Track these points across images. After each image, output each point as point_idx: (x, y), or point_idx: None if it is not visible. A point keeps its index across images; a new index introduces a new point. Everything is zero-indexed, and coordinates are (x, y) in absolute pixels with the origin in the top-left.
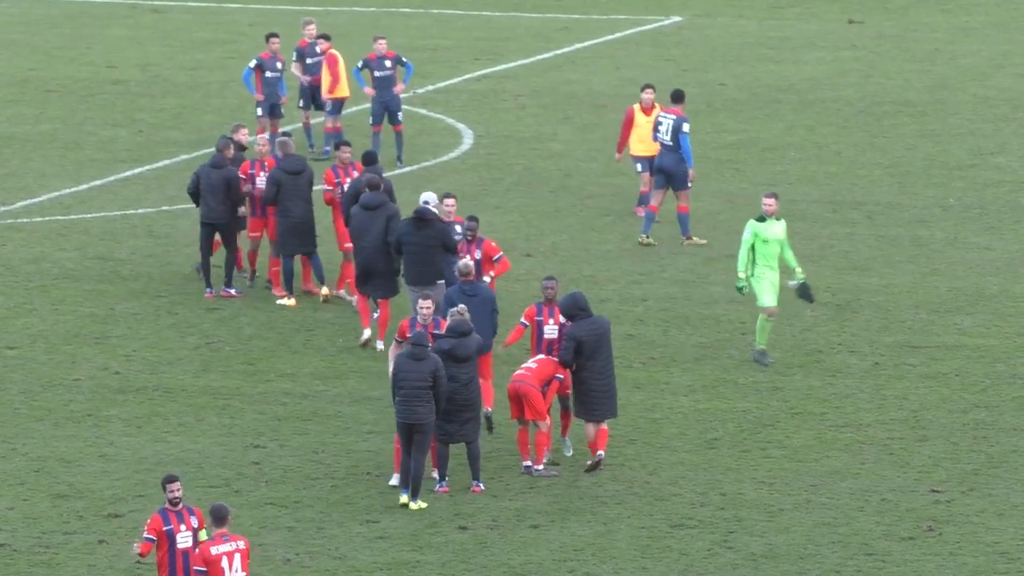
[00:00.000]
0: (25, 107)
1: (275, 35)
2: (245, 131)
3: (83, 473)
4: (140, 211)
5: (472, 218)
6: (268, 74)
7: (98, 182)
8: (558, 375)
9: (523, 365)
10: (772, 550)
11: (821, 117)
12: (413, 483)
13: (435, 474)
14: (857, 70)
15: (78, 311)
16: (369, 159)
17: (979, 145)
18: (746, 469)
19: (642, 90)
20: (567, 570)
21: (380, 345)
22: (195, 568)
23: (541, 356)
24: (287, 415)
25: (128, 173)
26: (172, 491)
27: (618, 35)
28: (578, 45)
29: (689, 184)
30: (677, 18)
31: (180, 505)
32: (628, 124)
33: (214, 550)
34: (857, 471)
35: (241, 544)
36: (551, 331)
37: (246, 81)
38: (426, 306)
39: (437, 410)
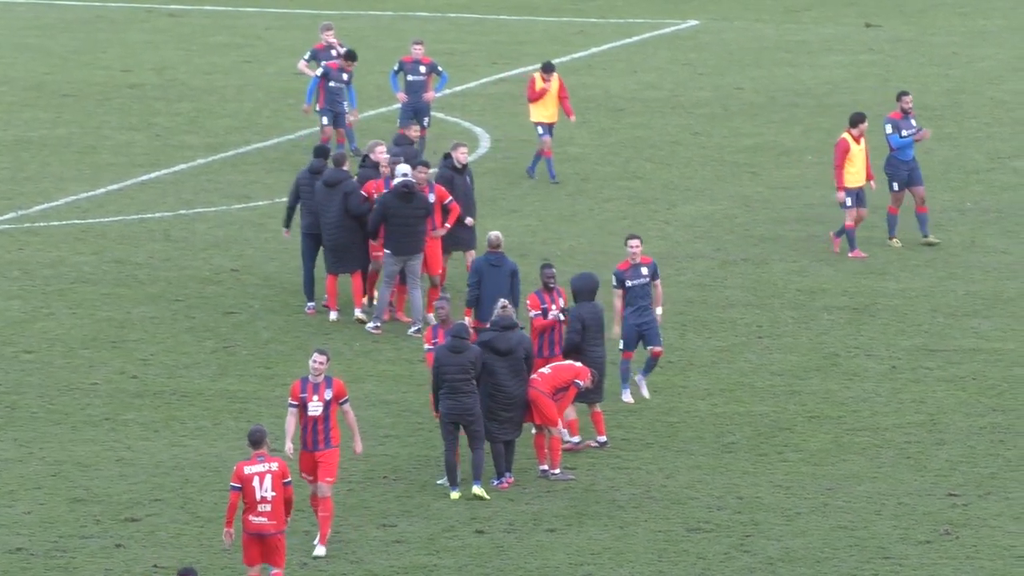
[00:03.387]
0: (41, 111)
1: (353, 55)
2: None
3: (100, 477)
4: (157, 215)
5: (548, 265)
6: (332, 84)
7: (115, 186)
8: (577, 380)
9: (539, 371)
10: (789, 554)
11: (838, 121)
12: (475, 469)
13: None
14: (874, 74)
15: (95, 315)
16: (320, 154)
17: (996, 149)
18: (763, 473)
19: (859, 120)
20: (583, 574)
21: (359, 312)
22: (231, 484)
23: (559, 363)
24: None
25: (145, 177)
26: None
27: (635, 39)
28: (595, 49)
29: (895, 187)
30: (694, 22)
31: None
32: (843, 155)
33: (247, 469)
34: (874, 475)
35: (274, 466)
36: None
37: (311, 91)
38: (320, 361)
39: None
